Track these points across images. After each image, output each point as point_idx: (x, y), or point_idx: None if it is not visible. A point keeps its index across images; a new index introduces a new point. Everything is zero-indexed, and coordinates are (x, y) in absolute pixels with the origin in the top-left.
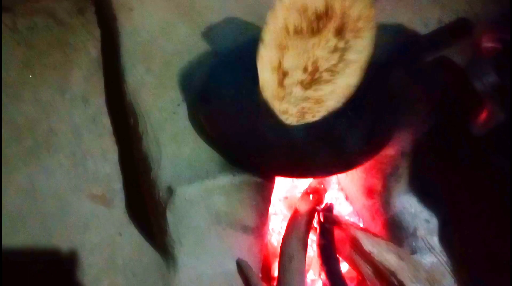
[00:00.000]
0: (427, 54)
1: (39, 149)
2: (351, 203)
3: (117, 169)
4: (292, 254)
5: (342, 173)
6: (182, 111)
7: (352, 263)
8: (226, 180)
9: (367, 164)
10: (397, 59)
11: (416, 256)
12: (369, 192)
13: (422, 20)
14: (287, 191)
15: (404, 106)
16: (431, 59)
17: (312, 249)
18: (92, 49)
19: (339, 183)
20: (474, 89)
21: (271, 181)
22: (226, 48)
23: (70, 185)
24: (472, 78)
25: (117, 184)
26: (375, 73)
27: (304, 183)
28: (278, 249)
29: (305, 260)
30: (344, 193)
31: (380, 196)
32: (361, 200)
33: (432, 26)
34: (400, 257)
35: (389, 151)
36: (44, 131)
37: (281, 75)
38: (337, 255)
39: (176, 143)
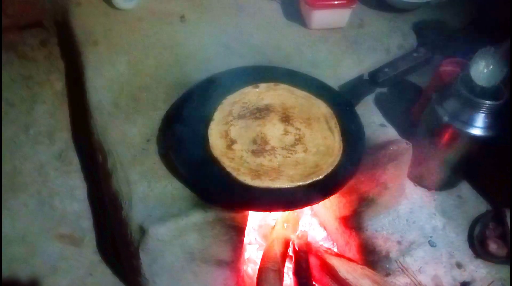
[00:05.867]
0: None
1: (3, 190)
2: (324, 228)
3: (85, 207)
4: None
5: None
6: (152, 147)
7: None
8: (198, 217)
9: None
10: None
11: (390, 278)
12: (341, 217)
13: (384, 46)
14: (261, 219)
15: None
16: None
17: (289, 277)
18: (56, 82)
19: (312, 209)
20: (436, 113)
21: (245, 215)
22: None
23: (36, 226)
24: (434, 104)
25: (86, 222)
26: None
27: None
28: (254, 279)
29: None
30: (318, 218)
31: (351, 220)
32: (334, 224)
33: (393, 51)
34: (375, 281)
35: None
36: (8, 171)
37: (229, 141)
38: (314, 283)
39: (146, 181)
